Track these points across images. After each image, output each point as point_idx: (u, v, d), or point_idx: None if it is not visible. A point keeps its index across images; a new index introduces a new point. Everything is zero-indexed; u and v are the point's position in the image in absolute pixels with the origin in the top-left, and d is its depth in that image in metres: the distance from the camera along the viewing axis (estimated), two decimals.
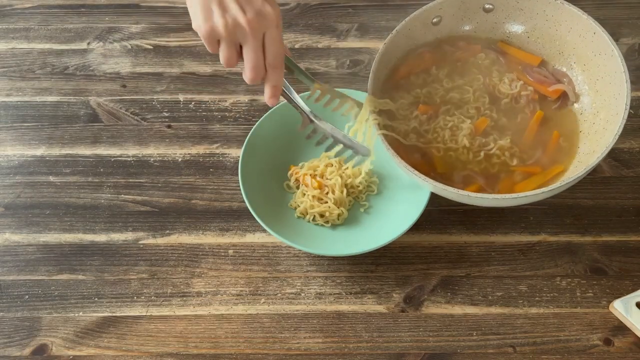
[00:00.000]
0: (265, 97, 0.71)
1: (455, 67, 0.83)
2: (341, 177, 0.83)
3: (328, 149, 0.81)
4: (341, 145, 0.80)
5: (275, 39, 0.66)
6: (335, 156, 0.81)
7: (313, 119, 0.78)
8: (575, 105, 0.81)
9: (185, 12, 1.04)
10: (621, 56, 0.74)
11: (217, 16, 0.64)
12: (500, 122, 0.80)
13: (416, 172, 0.72)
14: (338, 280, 0.81)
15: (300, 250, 0.82)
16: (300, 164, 0.86)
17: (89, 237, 0.84)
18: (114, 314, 0.79)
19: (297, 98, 0.78)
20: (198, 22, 0.65)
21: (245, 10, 0.64)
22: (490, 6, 0.83)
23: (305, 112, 0.78)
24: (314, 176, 0.83)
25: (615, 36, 0.99)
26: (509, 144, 0.78)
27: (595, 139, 0.76)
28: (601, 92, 0.78)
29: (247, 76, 0.68)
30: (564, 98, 0.81)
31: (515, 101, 0.81)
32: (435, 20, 0.83)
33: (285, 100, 0.86)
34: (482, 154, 0.78)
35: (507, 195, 0.71)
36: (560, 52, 0.82)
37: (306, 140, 0.83)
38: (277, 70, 0.69)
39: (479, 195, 0.72)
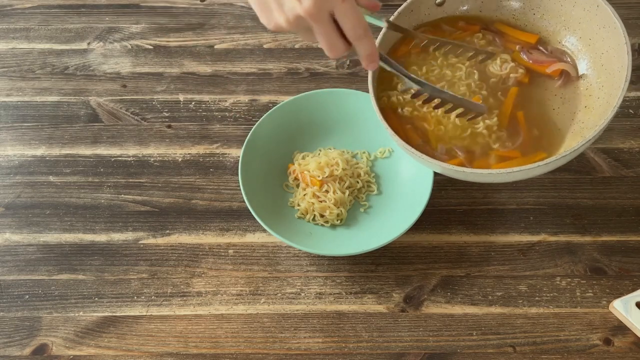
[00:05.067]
0: (363, 66, 0.67)
1: (452, 46, 0.83)
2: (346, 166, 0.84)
3: (437, 107, 0.76)
4: (451, 104, 0.76)
5: (346, 13, 0.61)
6: (447, 111, 0.76)
7: (415, 80, 0.74)
8: (581, 80, 0.81)
9: (185, 12, 1.05)
10: (623, 28, 0.75)
11: (276, 13, 0.61)
12: (488, 102, 0.80)
13: (397, 137, 0.72)
14: (338, 280, 0.81)
15: (300, 250, 0.82)
16: (302, 155, 0.87)
17: (89, 237, 0.84)
18: (114, 314, 0.79)
19: (395, 64, 0.73)
20: (263, 21, 0.63)
21: (301, 0, 0.59)
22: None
23: (406, 75, 0.74)
24: (312, 176, 0.83)
25: None
26: (496, 123, 0.78)
27: (598, 113, 0.76)
28: (606, 65, 0.78)
29: (329, 55, 0.65)
30: (566, 76, 0.81)
31: (503, 82, 0.81)
32: (439, 1, 0.82)
33: (288, 99, 0.87)
34: (469, 131, 0.78)
35: (484, 171, 0.70)
36: (566, 27, 0.82)
37: (309, 137, 0.84)
38: (362, 41, 0.64)
39: (456, 168, 0.71)
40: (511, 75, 0.80)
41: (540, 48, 0.82)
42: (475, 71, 0.81)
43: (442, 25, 0.85)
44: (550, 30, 0.83)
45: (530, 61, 0.81)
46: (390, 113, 0.77)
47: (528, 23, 0.84)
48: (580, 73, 0.80)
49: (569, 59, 0.81)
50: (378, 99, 0.75)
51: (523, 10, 0.84)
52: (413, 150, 0.72)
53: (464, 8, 0.85)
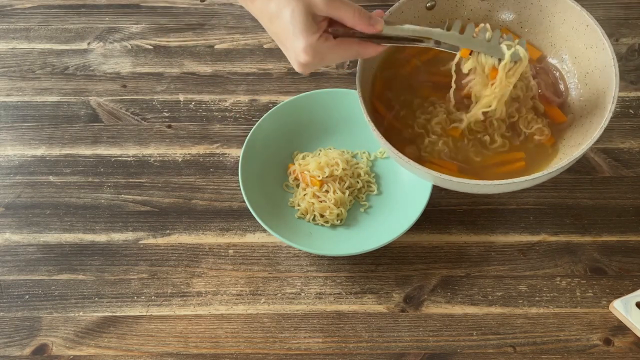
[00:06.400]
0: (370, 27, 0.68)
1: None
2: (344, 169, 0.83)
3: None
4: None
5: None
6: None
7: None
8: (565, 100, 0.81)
9: (185, 12, 1.05)
10: (612, 49, 0.74)
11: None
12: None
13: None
14: (338, 280, 0.81)
15: (300, 250, 0.82)
16: (302, 155, 0.87)
17: (89, 237, 0.84)
18: (114, 314, 0.79)
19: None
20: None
21: (290, 60, 0.67)
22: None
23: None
24: (312, 176, 0.83)
25: (615, 36, 0.99)
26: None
27: (581, 132, 0.76)
28: (590, 85, 0.78)
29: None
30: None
31: (527, 139, 0.79)
32: (429, 4, 0.82)
33: (288, 99, 0.87)
34: (468, 143, 0.79)
35: (482, 182, 0.70)
36: (552, 44, 0.82)
37: (309, 137, 0.85)
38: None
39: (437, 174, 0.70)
40: (536, 137, 0.78)
41: (539, 66, 0.82)
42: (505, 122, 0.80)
43: None
44: (536, 45, 0.83)
45: (543, 96, 0.80)
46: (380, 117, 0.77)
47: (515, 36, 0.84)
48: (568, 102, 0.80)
49: (558, 75, 0.81)
50: (365, 99, 0.75)
51: (511, 23, 0.84)
52: (400, 154, 0.71)
53: (454, 15, 0.84)
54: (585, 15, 0.77)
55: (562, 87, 0.81)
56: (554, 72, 0.81)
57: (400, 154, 0.71)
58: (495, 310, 0.78)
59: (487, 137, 0.78)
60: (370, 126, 0.72)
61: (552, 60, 0.82)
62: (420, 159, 0.77)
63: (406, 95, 0.81)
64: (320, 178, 0.83)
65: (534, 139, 0.78)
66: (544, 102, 0.80)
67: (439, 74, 0.81)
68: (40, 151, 0.91)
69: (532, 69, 0.81)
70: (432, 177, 0.72)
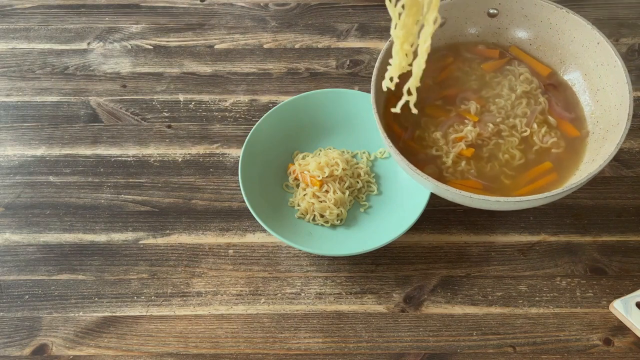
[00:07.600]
0: None
1: (485, 81, 0.83)
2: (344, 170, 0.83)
3: None
4: None
5: None
6: None
7: None
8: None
9: (185, 12, 1.05)
10: (625, 67, 0.74)
11: None
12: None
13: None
14: (338, 280, 0.81)
15: (300, 250, 0.82)
16: (302, 155, 0.87)
17: (89, 237, 0.84)
18: (114, 314, 0.79)
19: None
20: None
21: None
22: (495, 11, 0.82)
23: None
24: (312, 176, 0.83)
25: (615, 36, 0.99)
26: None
27: (594, 147, 0.76)
28: (602, 102, 0.78)
29: None
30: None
31: (544, 153, 0.79)
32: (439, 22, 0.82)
33: (288, 99, 0.87)
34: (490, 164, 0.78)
35: (509, 199, 0.69)
36: (561, 60, 0.82)
37: (309, 137, 0.84)
38: None
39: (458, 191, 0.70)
40: (553, 150, 0.78)
41: (549, 82, 0.82)
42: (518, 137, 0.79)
43: (462, 51, 0.84)
44: (546, 62, 0.83)
45: (558, 116, 0.80)
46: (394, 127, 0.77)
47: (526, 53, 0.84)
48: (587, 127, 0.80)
49: (568, 91, 0.81)
50: (380, 118, 0.75)
51: (521, 40, 0.84)
52: (412, 166, 0.71)
53: (464, 31, 0.84)
54: (597, 34, 0.76)
55: (573, 103, 0.81)
56: (565, 88, 0.81)
57: (420, 172, 0.70)
58: (495, 310, 0.78)
59: (507, 156, 0.78)
60: (387, 143, 0.72)
61: (562, 77, 0.82)
62: (442, 179, 0.76)
63: (415, 117, 0.80)
64: (320, 178, 0.83)
65: (551, 152, 0.78)
66: (556, 117, 0.80)
67: (450, 89, 0.81)
68: (40, 151, 0.91)
69: (541, 85, 0.81)
70: (455, 195, 0.71)
